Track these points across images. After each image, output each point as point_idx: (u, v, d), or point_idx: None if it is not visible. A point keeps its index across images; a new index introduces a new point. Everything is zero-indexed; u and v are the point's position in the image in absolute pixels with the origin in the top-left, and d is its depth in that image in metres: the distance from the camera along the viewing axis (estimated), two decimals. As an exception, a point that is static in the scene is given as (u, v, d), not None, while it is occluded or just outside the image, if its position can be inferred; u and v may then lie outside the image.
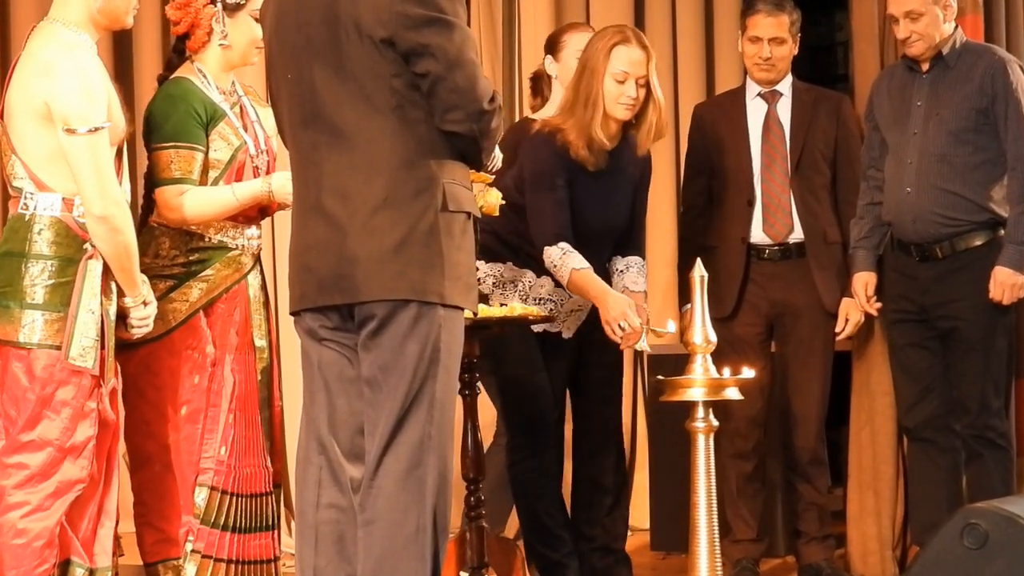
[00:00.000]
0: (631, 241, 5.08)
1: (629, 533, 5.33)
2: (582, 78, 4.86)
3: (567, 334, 5.03)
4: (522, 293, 5.00)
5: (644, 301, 4.98)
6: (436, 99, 3.65)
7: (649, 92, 4.85)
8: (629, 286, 4.99)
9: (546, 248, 4.81)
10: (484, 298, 4.89)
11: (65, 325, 4.07)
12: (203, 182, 4.44)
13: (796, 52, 5.55)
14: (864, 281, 5.40)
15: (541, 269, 4.93)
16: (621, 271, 5.03)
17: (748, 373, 4.49)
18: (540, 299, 4.98)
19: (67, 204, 4.13)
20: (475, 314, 3.96)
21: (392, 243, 3.61)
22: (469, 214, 3.74)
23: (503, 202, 4.66)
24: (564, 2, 6.70)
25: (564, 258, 4.76)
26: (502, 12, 6.80)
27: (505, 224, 4.90)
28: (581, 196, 4.88)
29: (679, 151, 6.40)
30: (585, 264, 4.76)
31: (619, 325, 4.69)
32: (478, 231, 3.92)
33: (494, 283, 5.02)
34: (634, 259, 5.05)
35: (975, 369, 5.20)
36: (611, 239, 5.03)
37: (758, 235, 5.48)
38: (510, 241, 5.00)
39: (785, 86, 5.56)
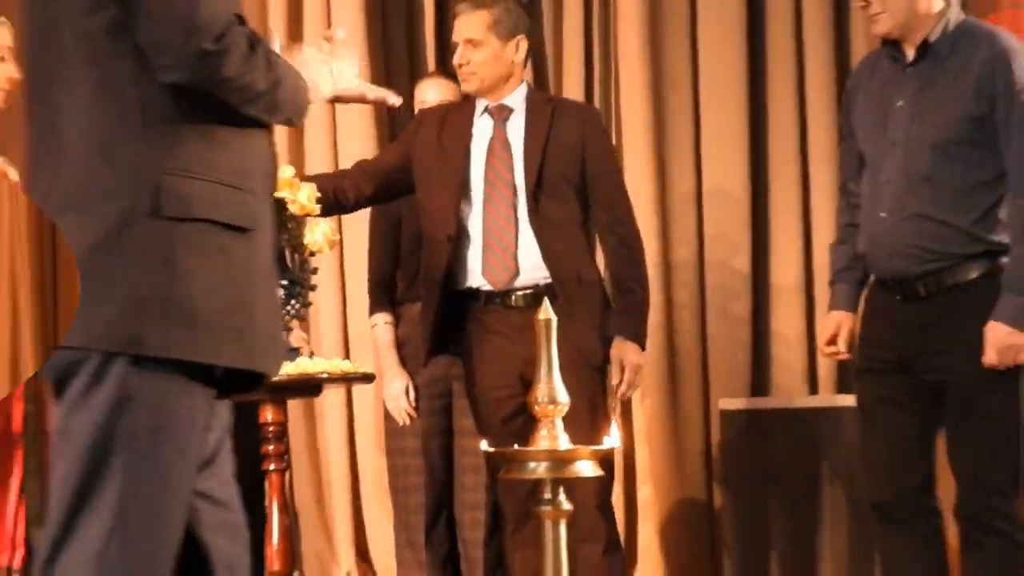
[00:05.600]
0: None
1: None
2: None
3: None
4: None
5: None
6: (139, 35, 2.54)
7: None
8: None
9: None
10: None
11: None
12: None
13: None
14: (836, 322, 4.35)
15: None
16: None
17: (610, 441, 3.60)
18: None
19: None
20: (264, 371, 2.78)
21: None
22: (229, 225, 2.64)
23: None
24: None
25: None
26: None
27: None
28: None
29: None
30: None
31: None
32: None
33: None
34: None
35: (970, 435, 4.08)
36: None
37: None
38: None
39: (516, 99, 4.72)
